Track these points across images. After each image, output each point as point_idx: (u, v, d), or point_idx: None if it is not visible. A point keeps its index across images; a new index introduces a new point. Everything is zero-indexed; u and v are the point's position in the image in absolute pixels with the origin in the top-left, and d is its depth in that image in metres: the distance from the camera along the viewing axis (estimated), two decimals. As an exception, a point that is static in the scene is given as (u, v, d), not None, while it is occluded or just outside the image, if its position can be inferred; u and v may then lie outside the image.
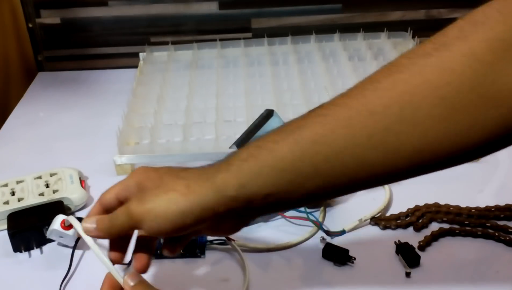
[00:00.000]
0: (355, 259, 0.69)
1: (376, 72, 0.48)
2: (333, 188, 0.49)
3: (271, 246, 0.72)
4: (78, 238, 0.70)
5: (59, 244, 0.73)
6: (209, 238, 0.72)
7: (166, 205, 0.49)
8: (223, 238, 0.71)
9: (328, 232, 0.73)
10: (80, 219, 0.75)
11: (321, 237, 0.72)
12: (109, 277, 0.53)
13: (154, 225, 0.50)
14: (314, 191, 0.49)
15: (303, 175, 0.48)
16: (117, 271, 0.53)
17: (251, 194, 0.49)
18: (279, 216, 0.76)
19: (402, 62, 0.46)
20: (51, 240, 0.74)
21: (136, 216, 0.50)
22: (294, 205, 0.56)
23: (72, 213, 0.79)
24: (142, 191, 0.52)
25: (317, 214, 0.76)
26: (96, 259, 0.70)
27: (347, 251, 0.69)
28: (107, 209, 0.55)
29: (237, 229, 0.54)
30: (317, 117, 0.48)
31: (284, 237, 0.73)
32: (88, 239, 0.53)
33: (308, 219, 0.72)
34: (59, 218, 0.69)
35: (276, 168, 0.48)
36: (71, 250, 0.71)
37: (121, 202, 0.54)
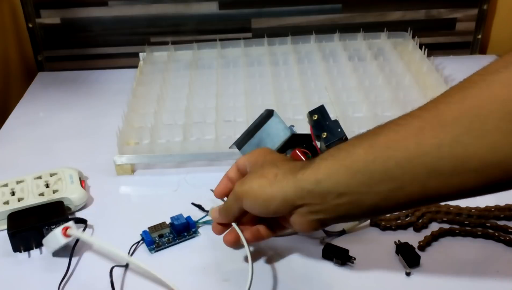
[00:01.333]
0: (355, 259, 0.69)
1: (451, 88, 0.50)
2: (405, 195, 0.51)
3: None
4: (77, 240, 0.71)
5: (53, 254, 0.73)
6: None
7: (256, 189, 0.58)
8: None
9: (328, 233, 0.73)
10: (81, 220, 0.75)
11: (321, 237, 0.73)
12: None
13: (248, 205, 0.60)
14: (385, 196, 0.52)
15: (375, 177, 0.51)
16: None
17: (325, 190, 0.54)
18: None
19: (474, 79, 0.48)
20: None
21: (238, 195, 0.60)
22: (364, 213, 0.56)
23: (72, 213, 0.79)
24: (249, 172, 0.62)
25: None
26: (95, 260, 0.70)
27: (347, 251, 0.69)
28: (232, 181, 0.65)
29: (313, 227, 0.58)
30: (392, 126, 0.51)
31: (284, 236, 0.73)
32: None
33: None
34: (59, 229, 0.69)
35: (351, 168, 0.52)
36: (69, 251, 0.71)
37: (242, 175, 0.64)
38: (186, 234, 0.73)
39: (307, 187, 0.55)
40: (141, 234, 0.73)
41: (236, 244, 0.65)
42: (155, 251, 0.71)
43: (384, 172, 0.50)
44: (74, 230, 0.68)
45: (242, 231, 0.64)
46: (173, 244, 0.72)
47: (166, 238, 0.72)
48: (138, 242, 0.73)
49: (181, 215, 0.74)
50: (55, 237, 0.69)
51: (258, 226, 0.65)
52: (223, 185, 0.67)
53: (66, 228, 0.68)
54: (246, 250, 0.63)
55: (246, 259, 0.58)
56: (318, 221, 0.57)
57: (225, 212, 0.64)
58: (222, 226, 0.66)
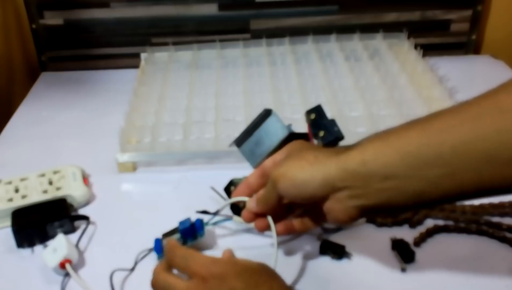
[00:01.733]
0: (351, 255, 0.70)
1: (510, 79, 0.49)
2: (456, 183, 0.49)
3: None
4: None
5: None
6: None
7: (294, 170, 0.56)
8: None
9: (325, 229, 0.74)
10: (83, 217, 0.76)
11: (318, 233, 0.73)
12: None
13: (284, 187, 0.57)
14: (434, 182, 0.49)
15: (426, 161, 0.49)
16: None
17: (371, 172, 0.52)
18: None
19: None
20: (53, 237, 0.74)
21: (274, 179, 0.58)
22: (407, 200, 0.52)
23: (75, 210, 0.80)
24: (285, 158, 0.60)
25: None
26: (97, 257, 0.71)
27: (343, 247, 0.70)
28: (251, 187, 0.65)
29: (350, 215, 0.56)
30: (447, 112, 0.50)
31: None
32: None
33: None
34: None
35: (401, 151, 0.50)
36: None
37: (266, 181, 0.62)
38: (191, 237, 0.71)
39: (351, 167, 0.52)
40: (155, 240, 0.71)
41: (267, 229, 0.63)
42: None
43: (437, 156, 0.48)
44: (70, 269, 0.67)
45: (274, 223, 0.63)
46: None
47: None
48: (149, 250, 0.72)
49: (188, 219, 0.71)
50: (51, 262, 0.68)
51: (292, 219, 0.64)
52: (240, 191, 0.66)
53: (66, 262, 0.67)
54: (274, 244, 0.62)
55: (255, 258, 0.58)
56: (356, 209, 0.55)
57: (262, 200, 0.62)
58: (256, 215, 0.64)
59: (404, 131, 0.51)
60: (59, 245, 0.69)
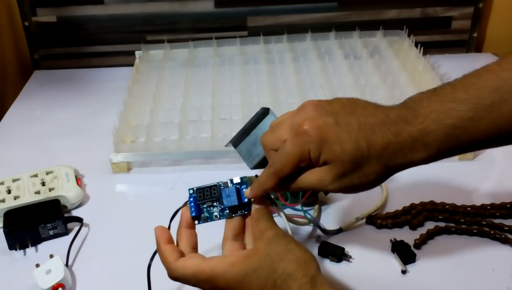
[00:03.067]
0: (351, 257, 0.69)
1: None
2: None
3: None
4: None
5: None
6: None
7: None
8: None
9: (325, 231, 0.73)
10: (77, 219, 0.75)
11: (317, 235, 0.73)
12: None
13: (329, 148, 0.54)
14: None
15: (496, 143, 0.53)
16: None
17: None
18: (275, 214, 0.76)
19: None
20: (46, 239, 0.74)
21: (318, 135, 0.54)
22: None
23: (68, 211, 0.79)
24: None
25: (313, 212, 0.76)
26: (93, 261, 0.70)
27: (342, 249, 0.69)
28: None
29: (382, 176, 0.55)
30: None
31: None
32: None
33: (304, 217, 0.72)
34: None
35: (473, 144, 0.53)
36: (66, 248, 0.71)
37: None
38: (239, 212, 0.60)
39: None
40: (190, 194, 0.61)
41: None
42: (199, 223, 0.60)
43: (507, 138, 0.52)
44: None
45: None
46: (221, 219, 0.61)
47: (216, 212, 0.60)
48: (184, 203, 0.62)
49: (233, 188, 0.60)
50: (44, 283, 0.66)
51: None
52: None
53: (60, 286, 0.66)
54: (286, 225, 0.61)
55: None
56: (390, 171, 0.55)
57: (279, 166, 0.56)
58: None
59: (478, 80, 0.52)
60: (55, 268, 0.67)
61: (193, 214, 0.59)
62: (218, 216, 0.60)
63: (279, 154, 0.56)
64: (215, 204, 0.60)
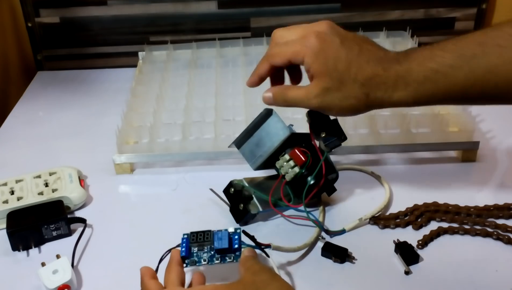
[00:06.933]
0: (354, 258, 0.69)
1: None
2: (492, 104, 0.60)
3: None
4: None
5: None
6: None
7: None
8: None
9: (328, 232, 0.73)
10: (80, 220, 0.75)
11: (320, 236, 0.72)
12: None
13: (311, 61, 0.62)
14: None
15: (470, 98, 0.58)
16: None
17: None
18: (279, 215, 0.76)
19: None
20: (49, 240, 0.74)
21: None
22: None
23: (71, 212, 0.79)
24: None
25: (317, 213, 0.76)
26: (97, 262, 0.70)
27: (346, 250, 0.69)
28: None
29: (361, 104, 0.61)
30: (494, 47, 0.55)
31: (284, 236, 0.73)
32: None
33: (308, 218, 0.72)
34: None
35: (448, 93, 0.58)
36: (69, 249, 0.71)
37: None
38: (227, 257, 0.62)
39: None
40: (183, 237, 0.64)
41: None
42: (187, 266, 0.62)
43: (481, 94, 0.57)
44: None
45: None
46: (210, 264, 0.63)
47: (205, 255, 0.62)
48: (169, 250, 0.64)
49: (225, 232, 0.62)
50: (50, 283, 0.65)
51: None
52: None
53: (66, 287, 0.65)
54: None
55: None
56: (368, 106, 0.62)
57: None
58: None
59: (452, 71, 0.57)
60: (62, 268, 0.66)
61: (183, 254, 0.62)
62: (207, 261, 0.62)
63: (278, 44, 0.64)
64: (205, 249, 0.63)
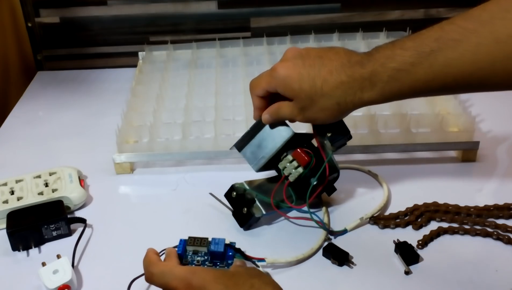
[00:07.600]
0: (353, 263, 0.69)
1: (507, 1, 0.54)
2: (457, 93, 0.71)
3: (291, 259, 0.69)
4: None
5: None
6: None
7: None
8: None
9: (331, 232, 0.73)
10: (80, 219, 0.75)
11: (327, 236, 0.72)
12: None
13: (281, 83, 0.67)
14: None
15: (434, 90, 0.60)
16: None
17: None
18: (282, 218, 0.76)
19: None
20: (49, 240, 0.74)
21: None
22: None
23: (71, 212, 0.79)
24: None
25: (320, 214, 0.76)
26: (97, 262, 0.70)
27: (347, 254, 0.69)
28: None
29: (336, 112, 0.65)
30: (449, 42, 0.56)
31: (287, 237, 0.73)
32: None
33: (311, 219, 0.72)
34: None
35: (413, 88, 0.60)
36: (69, 249, 0.71)
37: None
38: (218, 262, 0.64)
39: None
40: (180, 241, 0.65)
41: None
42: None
43: (442, 87, 0.59)
44: None
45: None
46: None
47: (199, 258, 0.64)
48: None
49: (223, 240, 0.64)
50: (50, 283, 0.65)
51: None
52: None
53: (66, 288, 0.65)
54: None
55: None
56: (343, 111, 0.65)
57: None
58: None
59: (413, 68, 0.59)
60: (62, 268, 0.66)
61: (178, 252, 0.63)
62: (200, 263, 0.63)
63: (256, 79, 0.69)
64: (200, 254, 0.64)
